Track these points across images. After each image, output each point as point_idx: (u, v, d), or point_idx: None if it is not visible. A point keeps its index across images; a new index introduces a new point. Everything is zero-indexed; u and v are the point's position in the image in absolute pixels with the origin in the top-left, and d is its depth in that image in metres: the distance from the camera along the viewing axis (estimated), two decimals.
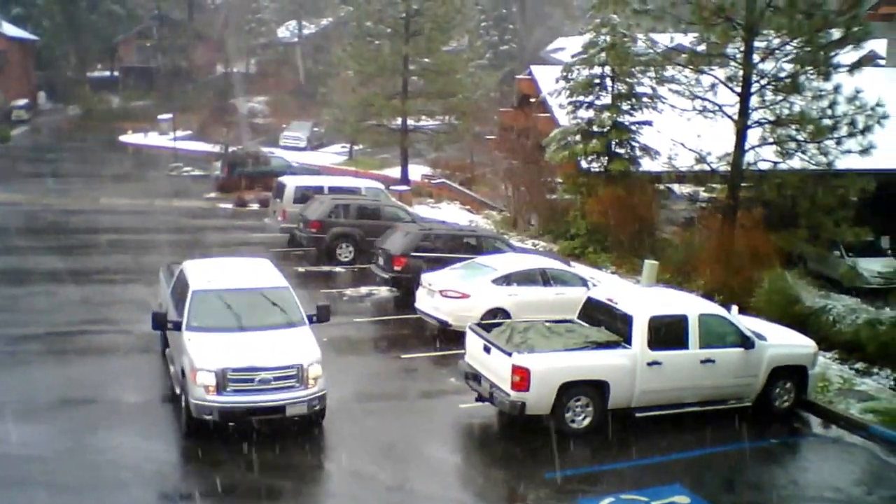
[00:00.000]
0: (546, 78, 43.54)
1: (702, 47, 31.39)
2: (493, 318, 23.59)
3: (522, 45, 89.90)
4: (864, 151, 30.39)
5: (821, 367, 22.02)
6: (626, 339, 18.72)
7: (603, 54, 36.03)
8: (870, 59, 57.20)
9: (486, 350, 18.60)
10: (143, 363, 21.83)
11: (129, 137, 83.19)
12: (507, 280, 24.57)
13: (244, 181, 49.85)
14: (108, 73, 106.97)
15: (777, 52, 30.55)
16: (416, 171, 57.76)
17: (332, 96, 62.50)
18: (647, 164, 36.66)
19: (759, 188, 31.84)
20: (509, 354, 17.81)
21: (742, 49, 31.01)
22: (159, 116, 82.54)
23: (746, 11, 29.90)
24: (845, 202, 31.15)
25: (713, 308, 20.35)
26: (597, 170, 36.68)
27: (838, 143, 30.80)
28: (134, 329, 24.10)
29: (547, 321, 20.20)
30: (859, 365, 23.23)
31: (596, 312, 20.09)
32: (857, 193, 30.82)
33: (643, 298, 20.15)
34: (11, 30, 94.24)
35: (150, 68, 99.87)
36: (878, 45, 55.46)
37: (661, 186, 35.77)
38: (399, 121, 53.03)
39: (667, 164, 33.41)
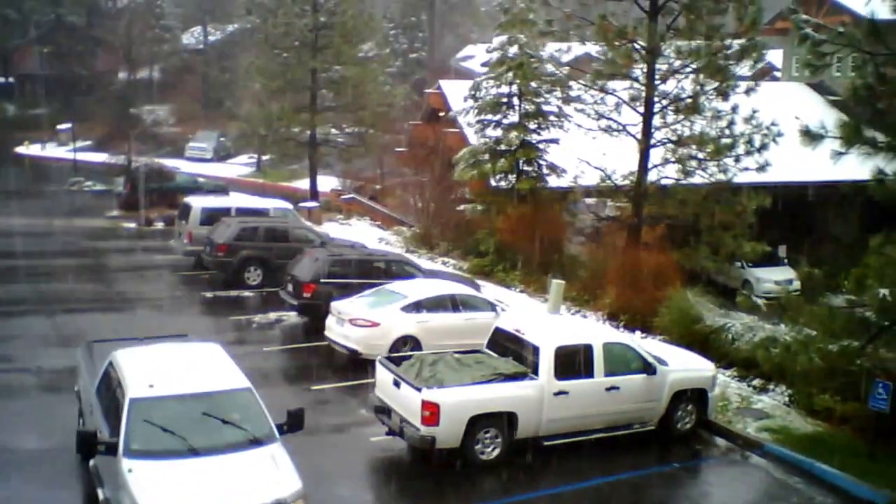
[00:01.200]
0: (455, 92, 44.38)
1: (606, 68, 32.39)
2: (404, 346, 24.48)
3: (432, 53, 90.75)
4: (761, 169, 31.85)
5: (721, 386, 23.11)
6: (534, 370, 19.45)
7: (510, 73, 36.80)
8: (767, 72, 59.23)
9: (396, 384, 19.14)
10: (47, 404, 21.62)
11: (25, 149, 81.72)
12: (416, 307, 25.12)
13: (148, 198, 49.58)
14: (2, 80, 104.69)
15: (678, 73, 31.70)
16: (327, 183, 58.11)
17: (239, 109, 62.43)
18: (553, 182, 37.56)
19: (661, 206, 32.95)
20: (419, 390, 18.38)
21: (645, 70, 32.12)
22: (58, 126, 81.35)
23: (648, 34, 30.94)
24: (743, 218, 32.49)
25: (617, 336, 21.25)
26: (505, 188, 37.44)
27: (737, 160, 32.15)
28: (36, 366, 24.05)
29: (456, 352, 20.81)
30: (757, 382, 24.48)
31: (504, 342, 20.79)
32: (754, 211, 32.18)
33: (549, 328, 20.89)
34: None
35: (49, 75, 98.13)
36: (775, 58, 57.43)
37: (568, 204, 36.65)
38: (308, 134, 53.21)
39: (573, 182, 34.42)
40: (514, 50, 36.69)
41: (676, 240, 33.61)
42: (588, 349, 19.92)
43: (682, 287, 29.04)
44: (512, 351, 20.36)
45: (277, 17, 52.26)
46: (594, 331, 21.36)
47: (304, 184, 57.45)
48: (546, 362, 19.35)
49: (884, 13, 18.22)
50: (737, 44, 31.32)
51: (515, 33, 36.71)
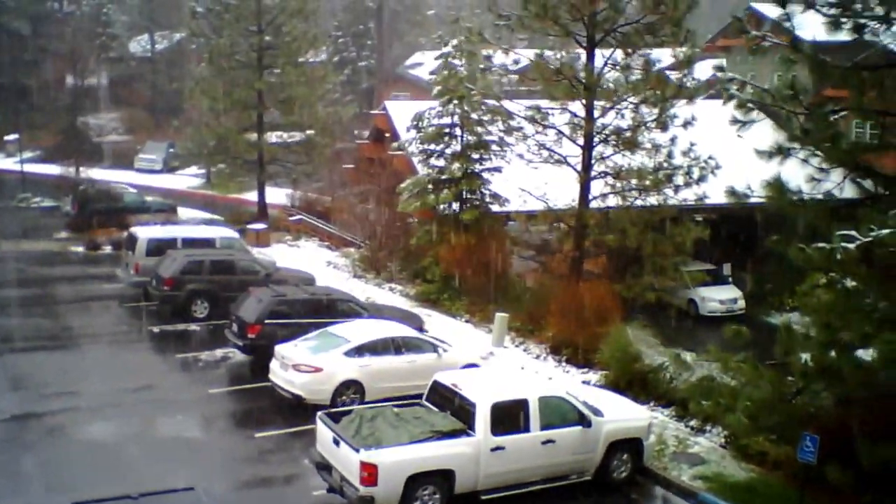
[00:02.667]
0: (400, 113, 44.72)
1: (546, 103, 32.92)
2: (347, 391, 24.92)
3: (381, 62, 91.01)
4: (699, 200, 32.51)
5: (658, 427, 23.69)
6: (470, 426, 19.88)
7: (451, 105, 37.20)
8: (713, 84, 59.91)
9: (336, 442, 19.50)
10: None
11: None
12: (359, 351, 25.45)
13: (96, 219, 49.54)
14: None
15: (616, 108, 32.29)
16: (278, 195, 58.36)
17: (186, 126, 62.35)
18: (497, 209, 38.04)
19: (602, 237, 33.58)
20: (357, 450, 18.74)
21: (584, 104, 32.68)
22: (5, 137, 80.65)
23: (586, 72, 31.47)
24: (683, 248, 33.17)
25: (552, 389, 21.68)
26: (449, 216, 37.83)
27: (676, 191, 32.79)
28: None
29: (395, 405, 21.19)
30: (694, 422, 24.87)
31: (442, 395, 21.18)
32: (692, 242, 32.94)
33: (486, 384, 21.30)
34: None
35: None
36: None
37: (510, 233, 37.15)
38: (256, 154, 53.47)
39: (516, 212, 35.00)
40: (454, 82, 37.03)
41: (619, 269, 34.23)
42: (524, 404, 20.40)
43: (623, 322, 29.61)
44: (450, 405, 20.75)
45: (222, 38, 52.27)
46: (530, 385, 21.75)
47: (254, 195, 57.55)
48: (482, 419, 19.79)
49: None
50: (674, 77, 31.98)
51: (456, 62, 37.08)
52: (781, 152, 19.87)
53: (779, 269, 37.45)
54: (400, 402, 21.65)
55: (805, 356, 18.13)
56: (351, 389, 25.05)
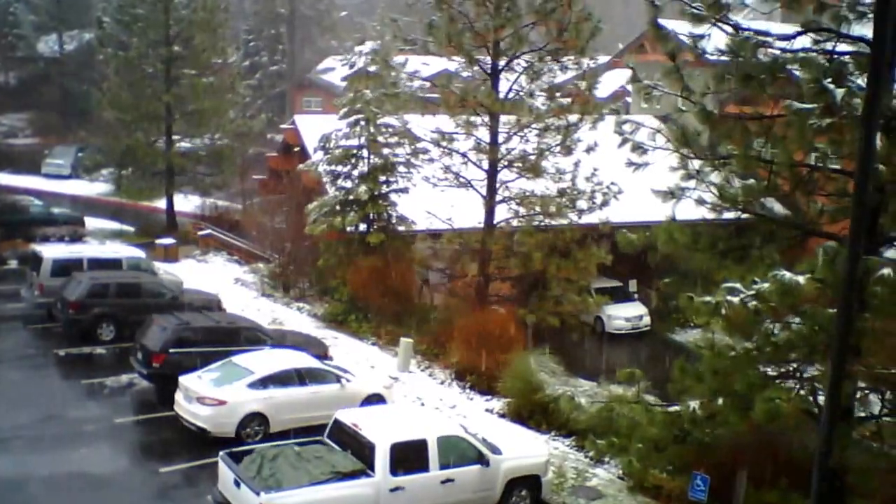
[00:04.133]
0: (309, 129, 44.85)
1: (452, 125, 33.35)
2: (252, 423, 25.07)
3: (292, 66, 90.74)
4: (603, 224, 33.19)
5: (559, 457, 24.33)
6: (370, 466, 20.22)
7: (358, 127, 37.46)
8: (621, 96, 61.17)
9: (237, 484, 19.69)
10: None
11: None
12: (263, 383, 25.56)
13: (1, 232, 48.79)
14: None
15: (519, 134, 32.84)
16: (189, 203, 58.03)
17: (94, 135, 61.66)
18: (403, 231, 38.38)
19: (506, 262, 34.14)
20: (257, 493, 18.97)
21: (489, 128, 33.18)
22: None
23: (489, 99, 31.96)
24: (585, 272, 33.88)
25: (451, 429, 22.06)
26: (356, 238, 38.01)
27: (580, 215, 33.45)
28: None
29: (297, 443, 21.46)
30: (593, 453, 25.31)
31: (343, 434, 21.47)
32: (595, 267, 33.63)
33: (385, 424, 21.64)
34: None
35: None
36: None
37: (417, 255, 37.54)
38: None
39: (422, 236, 35.41)
40: (360, 105, 37.28)
41: (525, 293, 34.81)
42: (423, 444, 20.81)
43: (527, 348, 30.21)
44: (350, 445, 21.06)
45: (130, 49, 51.85)
46: (429, 424, 22.13)
47: (163, 203, 57.11)
48: (381, 459, 20.15)
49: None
50: (576, 106, 32.62)
51: (362, 88, 37.33)
52: (675, 195, 20.58)
53: (682, 286, 38.63)
54: (301, 440, 21.90)
55: (694, 404, 18.77)
56: (255, 422, 25.17)
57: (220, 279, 43.15)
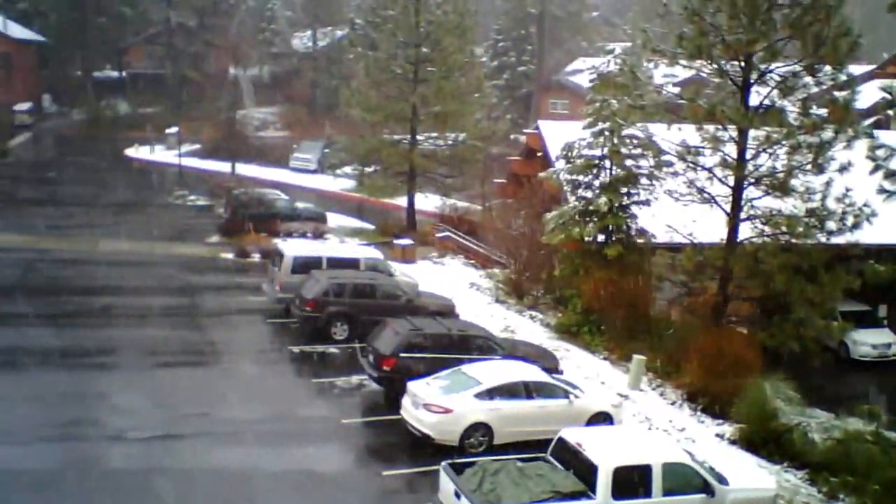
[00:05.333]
0: (552, 134, 45.31)
1: (698, 139, 33.04)
2: (476, 433, 25.66)
3: (540, 67, 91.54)
4: (854, 247, 32.16)
5: (790, 491, 23.84)
6: (591, 488, 20.51)
7: (602, 138, 37.68)
8: (881, 108, 58.60)
9: (457, 496, 20.37)
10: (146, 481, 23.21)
11: (134, 152, 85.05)
12: (490, 394, 26.15)
13: (248, 224, 51.55)
14: (115, 75, 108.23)
15: (768, 151, 32.19)
16: (429, 202, 59.81)
17: (340, 133, 64.27)
18: (642, 245, 38.32)
19: (748, 284, 33.51)
20: None
21: (737, 144, 32.67)
22: (167, 130, 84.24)
23: (738, 115, 31.47)
24: (832, 297, 32.89)
25: (677, 455, 22.04)
26: (594, 249, 38.25)
27: (828, 237, 32.51)
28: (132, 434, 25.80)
29: (520, 458, 21.97)
30: (826, 488, 24.52)
31: (566, 453, 21.84)
32: (841, 292, 32.62)
33: (610, 445, 21.83)
34: (18, 31, 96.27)
35: (160, 74, 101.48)
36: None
37: (656, 269, 37.32)
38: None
39: (661, 251, 35.22)
40: (606, 113, 37.48)
41: (765, 315, 34.12)
42: (647, 469, 20.92)
43: (764, 373, 29.63)
44: (573, 464, 21.40)
45: (379, 50, 53.74)
46: (655, 448, 22.16)
47: (404, 201, 59.08)
48: (603, 482, 20.41)
49: None
50: (831, 121, 31.68)
51: (609, 95, 37.51)
52: None
53: None
54: (525, 456, 22.39)
55: None
56: (479, 432, 25.79)
57: (455, 282, 44.20)
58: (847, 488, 20.80)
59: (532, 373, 27.76)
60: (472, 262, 50.82)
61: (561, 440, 22.25)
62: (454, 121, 54.21)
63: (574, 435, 22.30)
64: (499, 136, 61.48)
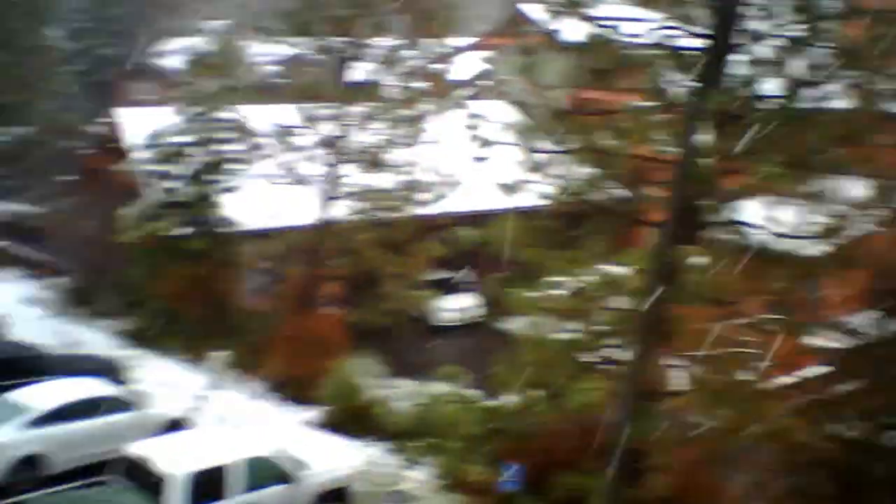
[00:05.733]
0: (136, 123, 41.75)
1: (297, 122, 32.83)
2: (28, 467, 22.65)
3: (124, 50, 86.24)
4: (442, 216, 33.40)
5: (375, 465, 24.17)
6: (165, 502, 19.00)
7: (194, 124, 35.85)
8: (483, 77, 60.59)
9: None
10: None
11: None
12: (43, 420, 23.30)
13: None
14: None
15: (367, 126, 33.58)
16: None
17: None
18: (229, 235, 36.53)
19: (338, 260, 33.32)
20: None
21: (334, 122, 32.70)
22: None
23: (337, 90, 32.10)
24: (416, 268, 33.42)
25: (254, 449, 21.29)
26: (175, 245, 35.85)
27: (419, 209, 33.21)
28: None
29: (79, 486, 20.13)
30: (409, 455, 25.00)
31: (135, 469, 20.10)
32: (428, 262, 33.22)
33: (182, 452, 20.45)
34: None
35: None
36: None
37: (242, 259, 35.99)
38: None
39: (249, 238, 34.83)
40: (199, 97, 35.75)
41: (356, 293, 34.04)
42: (224, 470, 19.95)
43: (352, 351, 29.81)
44: (143, 480, 19.57)
45: None
46: (232, 447, 21.07)
47: None
48: (176, 493, 19.07)
49: None
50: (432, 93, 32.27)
51: (201, 78, 36.14)
52: (516, 189, 20.63)
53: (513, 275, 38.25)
54: (88, 482, 20.33)
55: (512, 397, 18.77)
56: (31, 466, 22.80)
57: (4, 299, 39.61)
58: (429, 450, 21.06)
59: (94, 389, 25.26)
60: (33, 272, 46.50)
61: (125, 456, 20.32)
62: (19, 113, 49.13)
63: (140, 448, 20.47)
64: (74, 127, 56.59)
